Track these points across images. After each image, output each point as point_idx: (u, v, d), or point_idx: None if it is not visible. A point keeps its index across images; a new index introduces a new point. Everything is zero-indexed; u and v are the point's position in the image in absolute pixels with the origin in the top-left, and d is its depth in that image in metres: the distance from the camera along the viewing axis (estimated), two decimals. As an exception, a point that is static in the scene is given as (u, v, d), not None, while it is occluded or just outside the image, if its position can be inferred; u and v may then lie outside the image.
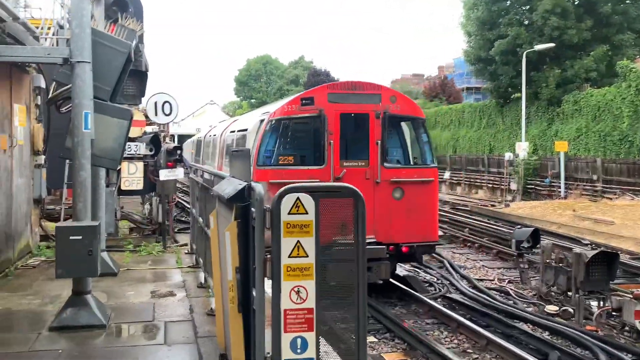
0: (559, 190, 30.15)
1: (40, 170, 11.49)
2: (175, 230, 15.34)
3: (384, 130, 11.25)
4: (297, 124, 11.58)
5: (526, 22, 35.98)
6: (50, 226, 12.82)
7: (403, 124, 12.23)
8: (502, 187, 34.22)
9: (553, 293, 11.22)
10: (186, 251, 12.14)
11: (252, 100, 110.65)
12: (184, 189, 29.75)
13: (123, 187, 12.57)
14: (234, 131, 14.87)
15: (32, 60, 8.71)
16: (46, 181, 11.86)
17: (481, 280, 13.62)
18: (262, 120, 11.85)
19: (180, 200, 22.73)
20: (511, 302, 11.62)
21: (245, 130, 13.29)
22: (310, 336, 3.77)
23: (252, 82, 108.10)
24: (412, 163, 12.07)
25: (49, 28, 10.99)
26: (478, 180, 37.67)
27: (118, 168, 11.41)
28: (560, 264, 11.01)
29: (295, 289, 3.80)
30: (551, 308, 10.84)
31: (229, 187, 4.83)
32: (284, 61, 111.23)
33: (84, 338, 6.56)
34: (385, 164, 11.23)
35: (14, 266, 10.02)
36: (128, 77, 9.37)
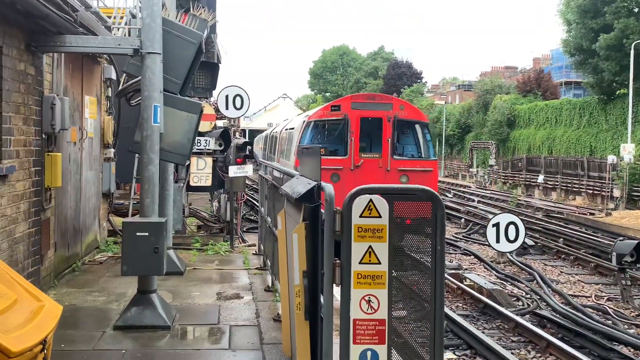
0: (670, 198, 28.55)
1: (109, 164, 12.02)
2: (244, 230, 15.69)
3: (394, 130, 15.97)
4: (328, 125, 16.99)
5: (636, 10, 34.27)
6: (119, 221, 13.39)
7: (416, 127, 17.00)
8: (603, 193, 32.76)
9: (660, 315, 10.63)
10: (254, 252, 12.38)
11: (327, 94, 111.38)
12: (254, 186, 30.35)
13: (192, 183, 12.96)
14: (287, 129, 20.54)
15: (102, 51, 9.12)
16: (115, 175, 12.40)
17: (576, 296, 13.11)
18: (303, 122, 16.99)
19: (249, 198, 23.19)
20: (610, 322, 11.12)
21: (293, 129, 18.27)
22: (382, 349, 3.74)
23: (327, 74, 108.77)
24: (417, 157, 16.83)
25: (121, 17, 11.52)
26: (576, 186, 36.24)
27: (187, 163, 11.76)
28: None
29: (366, 298, 3.78)
30: (657, 332, 10.28)
31: (297, 186, 4.88)
32: (362, 52, 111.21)
33: (148, 339, 6.81)
34: (395, 156, 15.98)
35: (82, 261, 10.55)
36: (199, 68, 9.69)
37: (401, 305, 3.98)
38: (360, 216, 3.76)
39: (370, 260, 3.78)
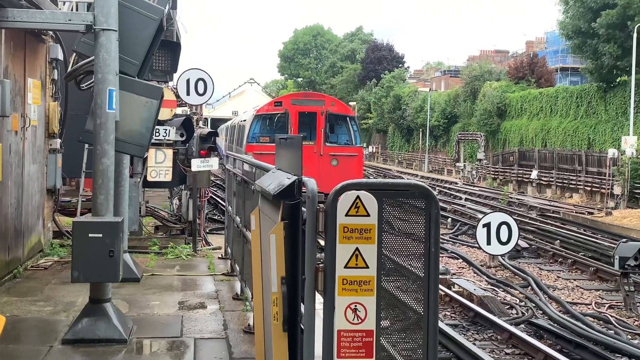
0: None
1: (55, 156, 11.83)
2: (207, 231, 15.59)
3: (326, 122, 22.24)
4: (273, 118, 22.80)
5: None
6: (65, 221, 13.21)
7: (345, 119, 23.46)
8: (603, 191, 33.31)
9: (666, 323, 10.84)
10: (220, 255, 12.32)
11: (299, 80, 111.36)
12: (217, 181, 30.21)
13: (149, 178, 12.82)
14: (241, 121, 27.91)
15: (50, 27, 8.96)
16: (62, 169, 12.20)
17: (574, 304, 13.30)
18: (253, 115, 23.80)
19: (213, 195, 23.07)
20: (612, 332, 11.30)
21: (245, 120, 25.37)
22: (369, 364, 3.74)
23: (299, 57, 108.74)
24: (344, 144, 23.10)
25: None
26: (573, 182, 36.80)
27: (145, 156, 11.63)
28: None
29: (352, 306, 3.77)
30: (663, 342, 10.48)
31: (274, 181, 4.84)
32: (338, 33, 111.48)
33: (102, 354, 6.72)
34: (327, 144, 22.08)
35: (24, 266, 10.37)
36: (158, 48, 9.55)
37: (391, 315, 3.97)
38: (346, 215, 3.74)
39: (357, 264, 3.77)
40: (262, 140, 22.85)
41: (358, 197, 3.74)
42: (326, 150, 21.99)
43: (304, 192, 4.16)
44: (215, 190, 26.80)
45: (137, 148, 7.67)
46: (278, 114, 22.77)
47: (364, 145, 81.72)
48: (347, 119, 23.66)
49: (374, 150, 77.32)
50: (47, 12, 7.78)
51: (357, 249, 3.75)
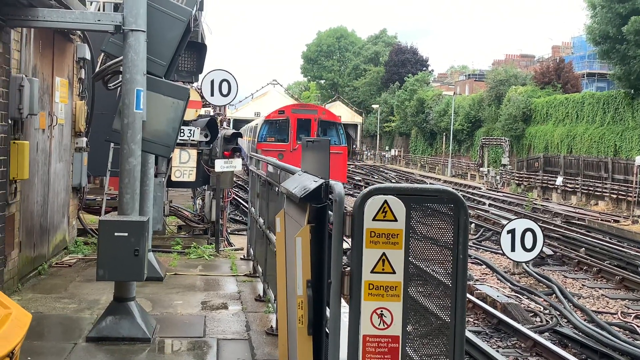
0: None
1: (81, 155, 11.95)
2: (228, 232, 15.65)
3: (318, 127, 30.19)
4: (277, 123, 31.08)
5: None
6: (90, 219, 13.34)
7: (333, 125, 31.63)
8: (629, 198, 32.89)
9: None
10: (242, 256, 12.35)
11: (322, 82, 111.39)
12: (238, 182, 30.33)
13: (173, 178, 12.89)
14: (255, 124, 35.90)
15: (79, 27, 9.05)
16: (87, 167, 12.32)
17: (600, 312, 13.16)
18: (263, 120, 32.63)
19: (235, 196, 23.15)
20: (639, 342, 11.16)
21: (257, 124, 34.21)
22: (395, 369, 3.72)
23: (322, 59, 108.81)
24: (333, 144, 26.86)
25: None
26: (598, 189, 36.39)
27: (170, 156, 11.72)
28: None
29: (378, 312, 3.76)
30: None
31: (301, 184, 4.84)
32: (362, 35, 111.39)
33: (125, 353, 6.77)
34: None
35: (48, 263, 10.48)
36: (184, 50, 9.61)
37: (417, 321, 3.95)
38: (374, 219, 3.73)
39: (383, 269, 3.75)
40: (269, 140, 31.99)
41: (386, 201, 3.72)
42: None
43: (331, 196, 4.15)
44: (237, 191, 26.89)
45: (164, 148, 7.71)
46: (281, 119, 31.98)
47: (387, 148, 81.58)
48: (336, 124, 33.17)
49: (397, 154, 77.05)
50: (77, 13, 7.86)
51: (383, 254, 3.74)
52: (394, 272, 3.75)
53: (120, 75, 7.56)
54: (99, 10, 11.41)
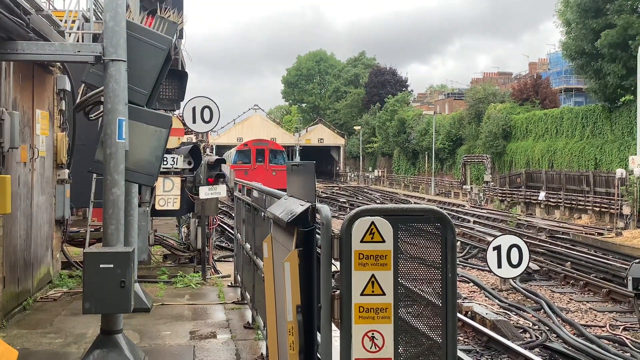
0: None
1: (63, 187, 11.86)
2: (215, 259, 15.56)
3: (270, 154, 49.99)
4: (243, 152, 51.09)
5: (640, 8, 35.03)
6: (74, 252, 13.20)
7: (279, 152, 51.82)
8: (612, 211, 33.17)
9: (682, 345, 10.71)
10: (229, 283, 12.28)
11: (304, 105, 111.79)
12: (223, 208, 30.22)
13: (157, 207, 12.82)
14: (230, 152, 57.07)
15: (59, 58, 9.03)
16: (70, 199, 12.22)
17: (588, 326, 13.17)
18: (234, 149, 55.28)
19: (220, 223, 23.05)
20: (628, 354, 11.18)
21: (231, 152, 55.94)
22: (388, 394, 3.70)
23: (303, 83, 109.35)
24: (279, 164, 48.00)
25: (73, 21, 11.44)
26: (581, 203, 36.67)
27: (154, 184, 11.66)
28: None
29: (369, 334, 3.74)
30: (680, 364, 10.34)
31: (287, 208, 4.83)
32: (342, 58, 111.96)
33: (114, 385, 6.66)
34: (270, 164, 48.97)
35: (33, 298, 10.35)
36: (165, 78, 9.61)
37: (408, 342, 3.93)
38: (362, 241, 3.72)
39: (373, 291, 3.74)
40: (238, 162, 48.74)
41: (373, 223, 3.72)
42: (270, 167, 48.14)
43: (318, 219, 4.14)
44: (222, 217, 26.78)
45: (147, 177, 7.66)
46: (246, 149, 50.09)
47: (370, 169, 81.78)
48: (281, 152, 51.40)
49: (380, 174, 77.27)
50: (57, 44, 7.84)
51: (373, 275, 3.72)
52: (383, 294, 3.73)
53: (102, 106, 7.54)
54: (77, 41, 11.41)
